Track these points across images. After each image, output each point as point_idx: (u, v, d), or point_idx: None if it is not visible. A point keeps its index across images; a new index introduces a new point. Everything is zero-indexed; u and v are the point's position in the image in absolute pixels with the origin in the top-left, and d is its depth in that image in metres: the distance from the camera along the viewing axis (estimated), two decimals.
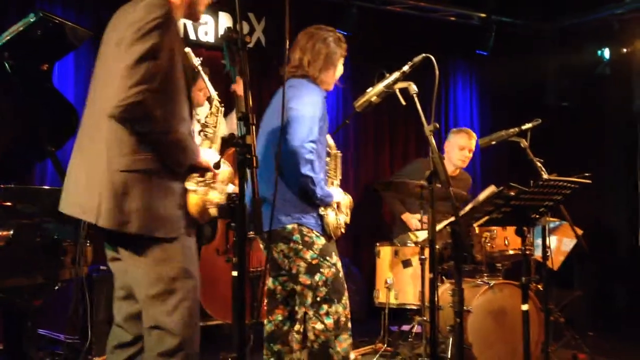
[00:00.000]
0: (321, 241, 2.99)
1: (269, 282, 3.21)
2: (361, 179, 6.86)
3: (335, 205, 3.16)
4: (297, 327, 3.19)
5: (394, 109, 6.83)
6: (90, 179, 2.28)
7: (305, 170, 2.91)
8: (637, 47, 7.10)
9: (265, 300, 3.23)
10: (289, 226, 2.95)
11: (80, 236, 3.26)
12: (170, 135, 2.29)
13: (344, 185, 6.77)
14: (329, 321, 2.96)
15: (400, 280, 4.67)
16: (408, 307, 4.68)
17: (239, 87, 2.03)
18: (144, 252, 2.31)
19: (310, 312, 3.00)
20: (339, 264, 3.06)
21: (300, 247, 2.97)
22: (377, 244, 4.91)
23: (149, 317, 2.34)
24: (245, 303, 1.89)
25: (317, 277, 2.96)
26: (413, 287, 4.63)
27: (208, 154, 2.43)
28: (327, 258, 2.99)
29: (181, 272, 2.33)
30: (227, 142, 1.86)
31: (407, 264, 4.66)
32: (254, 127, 1.86)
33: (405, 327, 4.76)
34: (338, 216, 3.16)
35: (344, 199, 3.28)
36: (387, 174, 6.84)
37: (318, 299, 2.97)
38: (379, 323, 4.85)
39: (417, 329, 4.63)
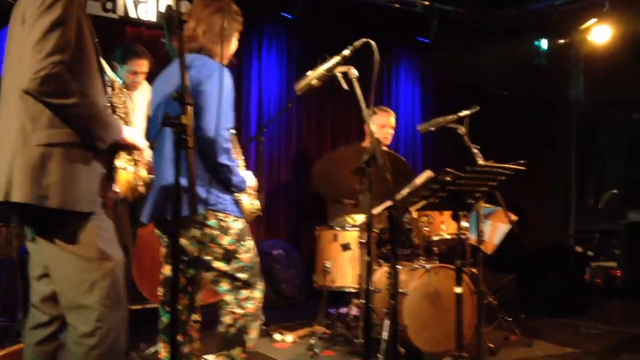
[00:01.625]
0: (238, 225, 2.87)
1: (166, 269, 3.04)
2: (303, 163, 6.87)
3: (249, 190, 3.11)
4: (195, 316, 3.06)
5: (337, 93, 6.86)
6: (3, 156, 2.23)
7: (223, 159, 2.79)
8: (574, 38, 7.31)
9: (162, 290, 3.05)
10: (203, 211, 2.78)
11: (12, 217, 3.16)
12: (88, 108, 2.24)
13: (287, 170, 6.85)
14: (250, 306, 2.87)
15: (339, 264, 4.71)
16: (347, 290, 4.72)
17: None
18: (61, 231, 2.28)
19: (228, 298, 2.88)
20: (255, 249, 2.97)
21: (217, 232, 2.82)
22: (317, 228, 4.93)
23: (66, 297, 2.32)
24: (177, 287, 1.86)
25: (234, 263, 2.85)
26: (352, 270, 4.67)
27: (131, 132, 2.39)
28: (243, 243, 2.88)
29: (97, 254, 2.31)
30: (162, 123, 1.83)
31: (346, 247, 4.70)
32: (190, 107, 1.83)
33: (344, 310, 4.81)
34: (252, 200, 3.12)
35: (253, 182, 3.19)
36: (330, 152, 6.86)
37: (237, 284, 2.87)
38: (317, 306, 4.89)
39: (355, 311, 4.68)
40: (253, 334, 2.91)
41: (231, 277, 2.87)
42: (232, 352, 2.84)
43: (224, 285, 2.89)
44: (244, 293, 2.88)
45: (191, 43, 2.91)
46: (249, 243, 2.93)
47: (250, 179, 3.12)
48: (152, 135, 3.00)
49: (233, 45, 3.07)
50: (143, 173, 2.38)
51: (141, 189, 2.49)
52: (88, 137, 2.26)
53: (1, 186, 2.19)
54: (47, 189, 2.18)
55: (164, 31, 4.43)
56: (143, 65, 4.32)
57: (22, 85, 2.14)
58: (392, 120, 5.34)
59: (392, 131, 5.36)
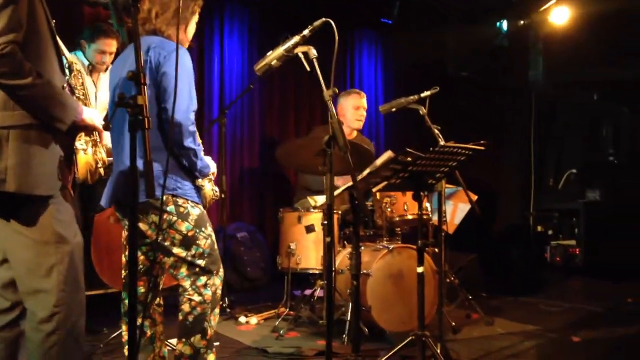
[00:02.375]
0: (196, 212, 2.85)
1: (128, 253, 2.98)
2: (266, 145, 6.84)
3: (211, 176, 3.08)
4: (158, 299, 3.05)
5: (300, 75, 6.83)
6: None
7: (188, 142, 2.75)
8: (533, 19, 7.39)
9: (124, 273, 3.01)
10: (163, 197, 2.69)
11: None
12: (44, 88, 2.19)
13: (250, 153, 6.81)
14: (208, 293, 2.84)
15: (303, 246, 4.72)
16: (311, 271, 4.74)
17: None
18: (18, 215, 2.24)
19: (186, 284, 2.84)
20: (214, 235, 2.94)
21: (175, 218, 2.79)
22: (281, 210, 4.93)
23: (24, 282, 2.29)
24: (137, 273, 1.83)
25: (193, 249, 2.82)
26: (316, 252, 4.69)
27: (91, 113, 2.35)
28: (203, 229, 2.85)
29: (55, 237, 2.27)
30: (116, 103, 1.79)
31: (310, 229, 4.70)
32: (145, 87, 1.79)
33: (308, 292, 4.82)
34: (213, 187, 3.09)
35: (214, 168, 3.15)
36: (292, 138, 6.85)
37: (196, 270, 2.84)
38: (282, 288, 4.90)
39: (319, 292, 4.70)
40: (213, 320, 2.89)
41: (189, 264, 2.84)
42: (192, 340, 2.82)
43: (183, 271, 2.85)
44: (203, 279, 2.85)
45: (145, 25, 2.85)
46: (208, 230, 2.90)
47: (213, 165, 3.10)
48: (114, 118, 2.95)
49: (191, 28, 3.00)
50: (102, 155, 2.34)
51: (101, 171, 2.44)
52: (45, 118, 2.21)
53: None
54: (3, 173, 2.13)
55: (110, 11, 4.36)
56: (111, 45, 4.28)
57: None
58: (364, 102, 5.35)
59: (365, 113, 5.36)
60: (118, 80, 2.88)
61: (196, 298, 2.83)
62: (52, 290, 2.26)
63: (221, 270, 2.95)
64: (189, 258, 2.82)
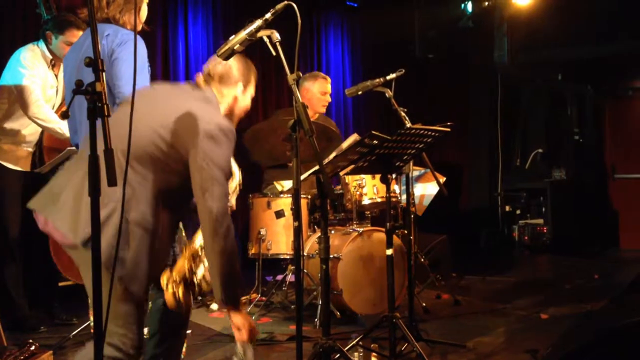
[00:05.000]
0: None
1: None
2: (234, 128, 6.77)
3: None
4: None
5: (266, 58, 6.76)
6: None
7: None
8: (498, 1, 7.42)
9: None
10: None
11: None
12: None
13: None
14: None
15: (273, 231, 4.70)
16: (282, 257, 4.73)
17: None
18: None
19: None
20: None
21: None
22: (250, 196, 4.90)
23: None
24: (100, 266, 1.79)
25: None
26: (286, 237, 4.67)
27: None
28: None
29: None
30: (74, 90, 1.75)
31: (279, 214, 4.68)
32: (103, 73, 1.75)
33: (280, 277, 4.82)
34: None
35: None
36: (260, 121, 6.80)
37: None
38: (253, 274, 4.88)
39: (290, 277, 4.70)
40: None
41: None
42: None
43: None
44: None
45: (97, 13, 2.82)
46: None
47: None
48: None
49: (143, 12, 3.00)
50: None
51: None
52: None
53: None
54: None
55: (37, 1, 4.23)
56: (79, 36, 4.14)
57: None
58: (329, 86, 5.32)
59: (330, 98, 5.34)
60: (72, 67, 2.86)
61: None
62: None
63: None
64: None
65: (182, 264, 2.37)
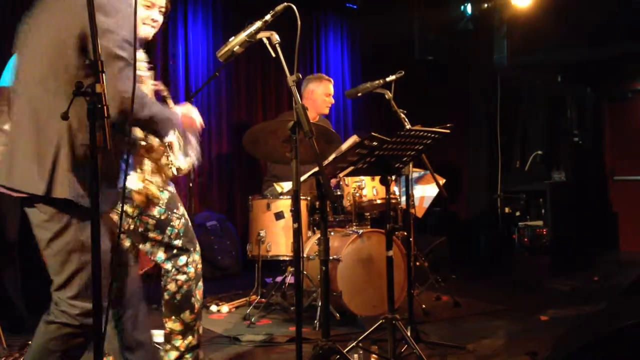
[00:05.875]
0: (166, 195, 2.89)
1: None
2: (234, 133, 6.79)
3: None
4: None
5: (266, 60, 6.79)
6: None
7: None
8: (497, 2, 7.43)
9: None
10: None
11: None
12: None
13: (218, 141, 6.75)
14: (191, 270, 2.92)
15: (273, 233, 4.70)
16: (281, 258, 4.73)
17: None
18: None
19: (168, 266, 2.91)
20: (186, 214, 3.01)
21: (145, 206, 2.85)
22: (250, 198, 4.90)
23: None
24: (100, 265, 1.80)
25: (168, 230, 2.88)
26: (285, 238, 4.68)
27: None
28: (175, 210, 2.91)
29: None
30: (74, 92, 1.75)
31: (279, 216, 4.69)
32: (103, 75, 1.76)
33: (279, 279, 4.82)
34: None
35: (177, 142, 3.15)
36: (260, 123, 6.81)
37: (174, 251, 2.90)
38: (253, 276, 4.88)
39: (290, 279, 4.70)
40: (199, 295, 2.98)
41: (167, 245, 2.89)
42: (182, 316, 2.90)
43: (161, 255, 2.90)
44: (183, 259, 2.92)
45: None
46: (181, 210, 2.95)
47: (172, 136, 3.08)
48: None
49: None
50: None
51: None
52: None
53: None
54: None
55: None
56: None
57: None
58: (332, 88, 5.34)
59: (332, 99, 5.36)
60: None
61: (181, 277, 2.91)
62: None
63: (197, 246, 3.02)
64: (166, 240, 2.88)
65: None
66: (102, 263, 2.14)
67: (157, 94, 3.54)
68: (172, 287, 2.90)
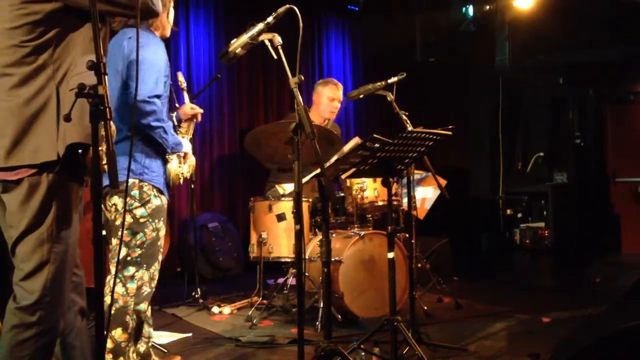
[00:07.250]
0: (157, 202, 2.90)
1: None
2: (235, 135, 6.79)
3: (182, 155, 3.13)
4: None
5: (268, 62, 6.79)
6: None
7: (150, 121, 2.83)
8: (499, 4, 7.43)
9: None
10: (130, 180, 2.82)
11: None
12: None
13: (220, 143, 6.75)
14: (132, 286, 2.86)
15: (274, 234, 4.70)
16: (283, 260, 4.73)
17: None
18: None
19: (114, 270, 2.86)
20: (163, 231, 2.97)
21: (136, 203, 2.87)
22: (252, 199, 4.90)
23: None
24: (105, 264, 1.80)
25: (138, 236, 2.86)
26: (287, 240, 4.67)
27: None
28: (155, 221, 2.90)
29: None
30: (76, 94, 1.75)
31: (281, 217, 4.69)
32: (105, 76, 1.76)
33: (281, 280, 4.82)
34: (181, 165, 3.13)
35: (191, 154, 3.24)
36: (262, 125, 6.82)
37: (128, 258, 2.86)
38: (254, 277, 4.88)
39: (292, 281, 4.70)
40: (138, 316, 2.89)
41: (127, 247, 2.86)
42: (113, 334, 2.81)
43: (121, 254, 2.86)
44: (131, 270, 2.87)
45: (129, 21, 2.94)
46: (160, 224, 2.94)
47: (187, 146, 3.19)
48: None
49: (171, 13, 3.15)
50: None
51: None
52: None
53: None
54: None
55: None
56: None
57: None
58: (340, 94, 5.30)
59: (339, 105, 5.33)
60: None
61: (119, 290, 2.85)
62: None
63: (154, 268, 2.95)
64: (131, 244, 2.86)
65: None
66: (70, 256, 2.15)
67: (177, 86, 3.66)
68: (107, 299, 2.72)
